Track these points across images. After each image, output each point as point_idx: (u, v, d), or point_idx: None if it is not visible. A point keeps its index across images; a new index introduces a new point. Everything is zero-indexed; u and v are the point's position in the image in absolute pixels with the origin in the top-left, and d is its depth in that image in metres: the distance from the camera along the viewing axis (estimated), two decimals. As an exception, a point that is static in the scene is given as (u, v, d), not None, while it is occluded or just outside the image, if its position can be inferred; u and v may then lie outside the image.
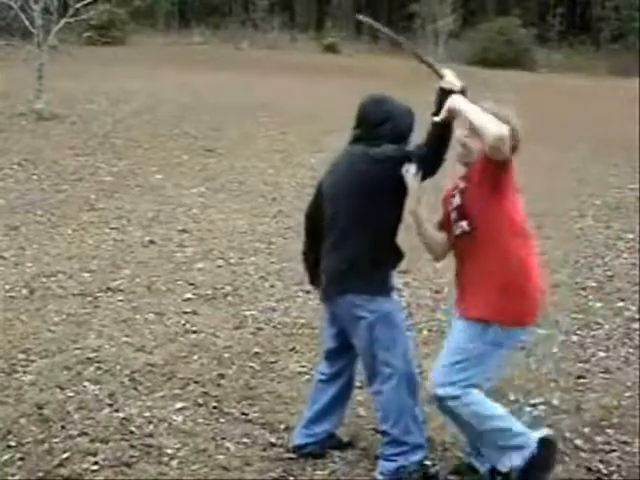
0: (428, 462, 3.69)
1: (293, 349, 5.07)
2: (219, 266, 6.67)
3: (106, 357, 4.86)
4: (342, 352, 3.80)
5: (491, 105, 3.41)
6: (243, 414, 4.22)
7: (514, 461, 3.44)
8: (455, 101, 3.35)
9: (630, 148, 12.30)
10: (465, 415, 3.41)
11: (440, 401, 3.43)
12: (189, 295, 5.98)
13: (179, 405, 4.30)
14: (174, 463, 3.77)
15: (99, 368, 4.71)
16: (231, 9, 38.85)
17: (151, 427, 4.07)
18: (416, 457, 3.60)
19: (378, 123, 3.58)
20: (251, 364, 4.84)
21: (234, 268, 6.62)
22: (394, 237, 3.61)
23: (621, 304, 6.02)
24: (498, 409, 3.49)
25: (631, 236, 7.83)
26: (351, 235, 3.55)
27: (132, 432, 4.01)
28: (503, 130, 3.14)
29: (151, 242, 7.27)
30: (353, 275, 3.56)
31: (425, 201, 3.52)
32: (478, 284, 3.40)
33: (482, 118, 3.23)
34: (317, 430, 3.84)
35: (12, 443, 3.89)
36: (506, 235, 3.35)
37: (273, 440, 3.96)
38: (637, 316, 5.76)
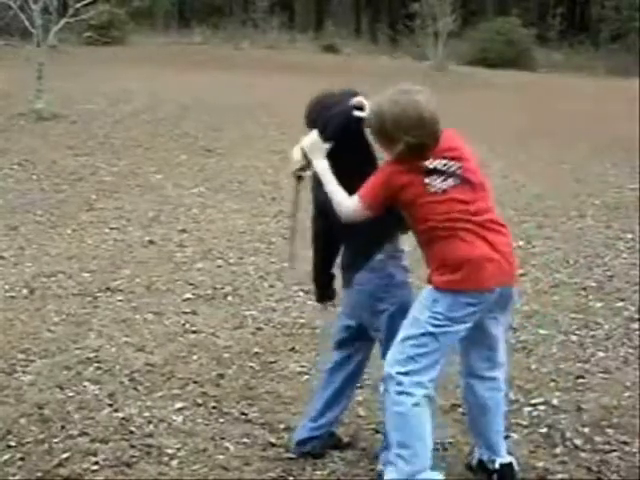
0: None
1: (293, 349, 5.07)
2: (219, 266, 6.68)
3: (106, 357, 4.86)
4: (351, 342, 3.81)
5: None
6: (243, 414, 4.22)
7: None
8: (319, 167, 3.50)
9: (630, 148, 12.30)
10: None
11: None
12: (189, 295, 5.98)
13: (179, 405, 4.30)
14: (174, 463, 3.77)
15: (99, 368, 4.72)
16: (231, 9, 38.88)
17: (151, 427, 4.07)
18: None
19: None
20: (251, 364, 4.84)
21: (234, 268, 6.63)
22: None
23: (620, 304, 6.01)
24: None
25: (630, 236, 7.83)
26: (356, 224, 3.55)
27: (132, 432, 4.02)
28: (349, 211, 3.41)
29: (151, 242, 7.27)
30: (365, 256, 3.59)
31: None
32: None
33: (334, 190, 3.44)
34: (321, 422, 3.84)
35: (12, 443, 3.90)
36: (427, 235, 3.37)
37: (273, 440, 3.96)
38: (636, 316, 5.76)
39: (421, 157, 3.33)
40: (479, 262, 3.32)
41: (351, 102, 3.50)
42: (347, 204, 3.42)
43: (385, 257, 3.60)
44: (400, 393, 3.35)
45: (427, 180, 3.32)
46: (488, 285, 3.35)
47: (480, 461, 3.70)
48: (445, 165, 3.35)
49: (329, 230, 3.67)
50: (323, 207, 3.60)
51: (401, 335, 3.41)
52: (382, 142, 3.40)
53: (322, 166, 3.49)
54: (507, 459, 3.67)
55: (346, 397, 3.90)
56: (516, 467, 3.67)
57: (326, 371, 3.90)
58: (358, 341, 3.79)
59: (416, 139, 3.29)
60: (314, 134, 3.51)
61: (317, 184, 3.60)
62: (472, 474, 3.71)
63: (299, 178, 3.66)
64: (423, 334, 3.35)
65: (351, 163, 3.50)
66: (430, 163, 3.33)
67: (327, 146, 3.49)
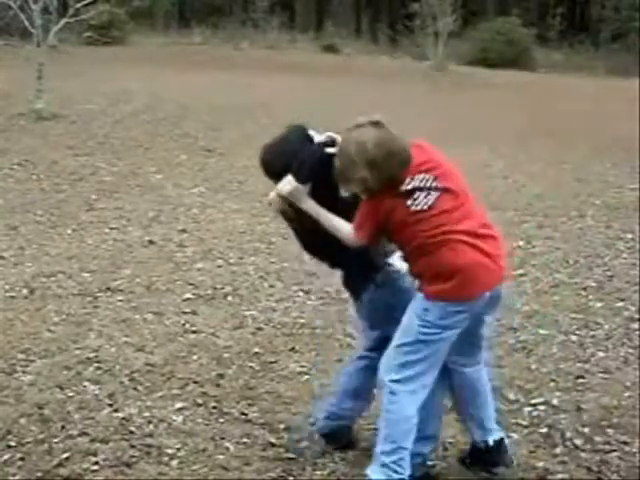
0: (429, 462, 3.70)
1: (293, 349, 5.07)
2: (219, 266, 6.67)
3: (106, 357, 4.86)
4: (381, 348, 3.83)
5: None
6: (242, 414, 4.22)
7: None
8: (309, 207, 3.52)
9: (630, 148, 12.30)
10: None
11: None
12: (189, 295, 5.98)
13: (179, 405, 4.30)
14: (174, 463, 3.78)
15: (99, 368, 4.72)
16: (231, 9, 38.85)
17: (151, 427, 4.07)
18: (426, 448, 3.63)
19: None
20: (251, 364, 4.84)
21: (234, 268, 6.62)
22: None
23: (620, 304, 6.01)
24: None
25: (630, 236, 7.83)
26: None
27: (132, 432, 4.02)
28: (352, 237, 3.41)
29: (151, 242, 7.27)
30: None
31: None
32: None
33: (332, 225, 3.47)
34: (347, 405, 3.86)
35: (12, 443, 3.90)
36: (417, 251, 3.38)
37: (273, 440, 3.97)
38: (636, 316, 5.76)
39: (395, 185, 3.33)
40: (470, 270, 3.32)
41: (320, 139, 3.56)
42: (346, 232, 3.45)
43: (387, 270, 3.62)
44: (392, 403, 3.38)
45: (409, 202, 3.33)
46: (480, 292, 3.36)
47: (473, 446, 3.72)
48: (422, 180, 3.35)
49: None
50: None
51: (394, 342, 3.43)
52: (349, 181, 3.37)
53: (310, 205, 3.51)
54: (498, 435, 3.70)
55: (374, 387, 3.90)
56: (507, 443, 3.71)
57: (356, 358, 3.92)
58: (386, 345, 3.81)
59: (385, 172, 3.29)
60: (290, 179, 3.52)
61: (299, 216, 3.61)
62: (466, 468, 3.72)
63: (284, 214, 3.69)
64: (414, 342, 3.37)
65: (332, 197, 3.52)
66: (407, 184, 3.33)
67: (307, 187, 3.51)
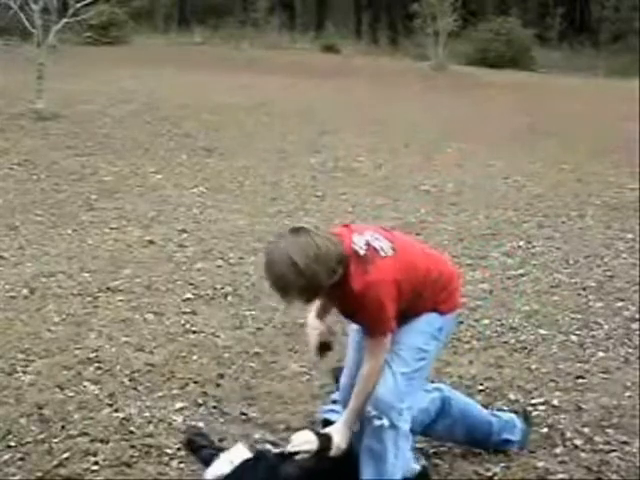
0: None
1: (293, 349, 5.06)
2: (219, 266, 6.67)
3: (106, 357, 4.86)
4: None
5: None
6: (242, 414, 4.22)
7: None
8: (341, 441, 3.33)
9: (630, 148, 12.30)
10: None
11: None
12: (189, 295, 5.98)
13: (179, 405, 4.30)
14: (174, 463, 3.78)
15: (99, 368, 4.72)
16: (231, 9, 38.86)
17: (151, 427, 4.07)
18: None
19: None
20: (251, 364, 4.84)
21: (234, 268, 6.62)
22: None
23: (621, 304, 6.01)
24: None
25: (630, 236, 7.83)
26: None
27: (132, 432, 4.02)
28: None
29: (151, 242, 7.27)
30: None
31: None
32: None
33: (362, 400, 3.28)
34: None
35: (12, 443, 3.90)
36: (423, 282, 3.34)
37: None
38: (637, 316, 5.76)
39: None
40: (458, 276, 3.51)
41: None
42: (372, 370, 3.26)
43: None
44: (403, 429, 3.35)
45: (382, 253, 3.19)
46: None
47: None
48: (364, 236, 3.24)
49: None
50: None
51: (402, 369, 3.31)
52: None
53: (353, 416, 3.32)
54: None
55: None
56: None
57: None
58: None
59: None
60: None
61: None
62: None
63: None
64: (427, 364, 3.39)
65: None
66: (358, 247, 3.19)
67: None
